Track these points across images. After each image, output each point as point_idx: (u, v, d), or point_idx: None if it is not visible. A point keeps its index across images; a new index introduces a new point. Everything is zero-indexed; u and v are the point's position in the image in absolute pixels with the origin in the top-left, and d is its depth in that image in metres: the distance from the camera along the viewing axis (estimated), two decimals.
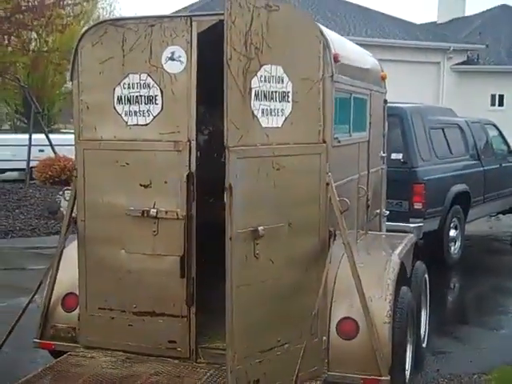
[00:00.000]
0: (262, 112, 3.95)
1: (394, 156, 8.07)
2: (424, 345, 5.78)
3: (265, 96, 3.95)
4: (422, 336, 5.73)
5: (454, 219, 9.23)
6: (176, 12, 22.48)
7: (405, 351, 4.67)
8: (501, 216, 12.18)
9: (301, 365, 3.88)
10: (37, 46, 19.31)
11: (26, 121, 27.79)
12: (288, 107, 4.06)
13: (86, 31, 4.43)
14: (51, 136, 18.49)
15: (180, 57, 4.19)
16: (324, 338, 4.26)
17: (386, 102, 6.36)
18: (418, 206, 8.40)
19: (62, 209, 12.51)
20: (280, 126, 4.04)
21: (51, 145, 17.46)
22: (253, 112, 3.91)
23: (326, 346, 4.26)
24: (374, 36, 24.92)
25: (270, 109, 3.98)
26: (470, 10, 37.69)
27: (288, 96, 4.05)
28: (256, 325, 3.94)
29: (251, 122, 3.91)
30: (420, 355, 5.48)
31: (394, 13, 28.88)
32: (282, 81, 4.02)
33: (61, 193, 12.90)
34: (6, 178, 18.80)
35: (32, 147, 17.37)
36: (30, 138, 17.29)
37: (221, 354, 4.19)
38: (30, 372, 4.35)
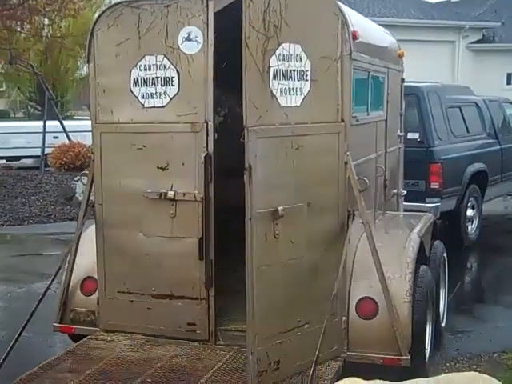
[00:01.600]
0: (281, 91, 3.91)
1: (410, 135, 7.99)
2: (443, 324, 5.76)
3: (283, 75, 3.91)
4: (442, 315, 5.71)
5: (471, 199, 9.15)
6: None
7: (424, 330, 4.64)
8: None
9: (321, 345, 3.87)
10: (50, 32, 19.32)
11: (39, 108, 27.92)
12: (306, 86, 4.02)
13: (102, 13, 4.40)
14: (65, 122, 18.55)
15: (197, 37, 4.15)
16: (344, 318, 4.24)
17: (403, 80, 6.29)
18: (434, 185, 8.33)
19: (77, 195, 12.57)
20: (299, 105, 4.00)
21: (65, 131, 17.51)
22: (271, 91, 3.88)
23: (345, 326, 4.25)
24: (389, 15, 24.69)
25: (289, 88, 3.94)
26: None
27: (306, 75, 4.01)
28: (276, 306, 3.93)
29: (270, 101, 3.88)
30: (439, 334, 5.46)
31: None
32: (301, 59, 3.98)
33: (76, 179, 12.93)
34: (21, 165, 18.90)
35: (46, 134, 17.44)
36: (45, 125, 17.34)
37: (240, 335, 4.20)
38: (51, 356, 4.38)
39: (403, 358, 4.13)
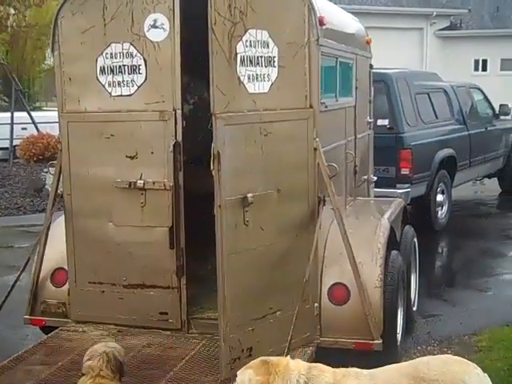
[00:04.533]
0: (249, 78, 3.90)
1: (380, 122, 8.03)
2: (414, 308, 5.82)
3: (250, 61, 3.90)
4: (413, 299, 5.77)
5: (441, 184, 9.25)
6: None
7: (396, 315, 4.69)
8: (486, 180, 12.22)
9: (293, 331, 3.89)
10: (15, 22, 19.01)
11: (7, 99, 27.45)
12: (274, 72, 4.01)
13: (66, 0, 4.33)
14: (34, 114, 18.29)
15: (163, 24, 4.11)
16: (316, 304, 4.26)
17: (371, 66, 6.31)
18: (404, 171, 8.39)
19: (47, 186, 12.42)
20: (266, 91, 4.00)
21: (34, 122, 17.28)
22: (239, 78, 3.87)
23: (317, 312, 4.27)
24: (358, 3, 24.71)
25: (256, 74, 3.93)
26: None
27: (274, 61, 4.00)
28: (248, 293, 3.93)
29: (237, 87, 3.86)
30: (411, 318, 5.52)
31: None
32: (268, 45, 3.96)
33: (46, 170, 12.78)
34: None
35: (14, 125, 17.18)
36: (12, 117, 17.08)
37: (213, 323, 4.19)
38: (22, 349, 4.33)
39: (375, 342, 4.17)
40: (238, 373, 2.89)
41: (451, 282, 7.50)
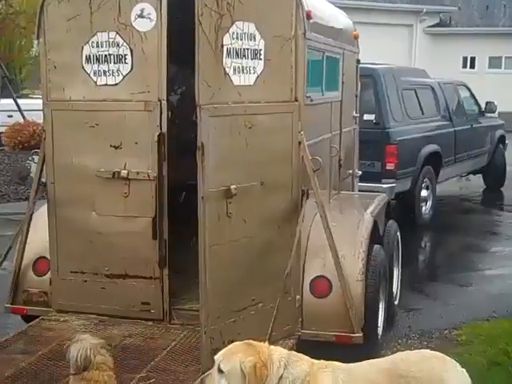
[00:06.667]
0: (234, 70, 3.90)
1: (366, 117, 8.06)
2: (396, 302, 5.86)
3: (237, 53, 3.90)
4: (394, 293, 5.80)
5: (426, 179, 9.30)
6: None
7: (377, 308, 4.72)
8: (471, 176, 12.30)
9: (274, 324, 3.90)
10: (2, 9, 18.86)
11: None
12: (260, 65, 4.01)
13: None
14: (20, 101, 18.17)
15: (150, 14, 4.10)
16: (297, 296, 4.28)
17: (358, 61, 6.32)
18: (390, 166, 8.43)
19: (31, 174, 12.35)
20: (252, 84, 4.00)
21: (20, 110, 17.16)
22: (225, 69, 3.87)
23: (299, 305, 4.29)
24: None
25: (242, 66, 3.93)
26: None
27: (260, 54, 4.01)
28: (229, 284, 3.94)
29: (223, 79, 3.86)
30: (392, 312, 5.55)
31: None
32: (254, 38, 3.97)
33: (30, 158, 12.71)
34: None
35: (0, 113, 17.07)
36: None
37: (195, 315, 4.20)
38: (2, 337, 4.31)
39: (355, 335, 4.20)
40: (220, 362, 2.81)
41: (433, 276, 7.55)
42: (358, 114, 6.49)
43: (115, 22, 4.16)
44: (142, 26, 4.13)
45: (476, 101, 11.48)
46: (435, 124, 9.72)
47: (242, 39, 3.91)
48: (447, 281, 7.13)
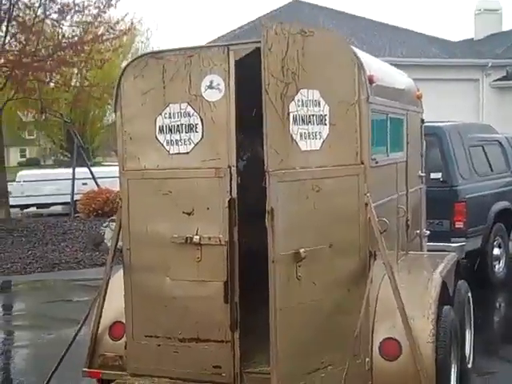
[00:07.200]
0: (301, 136, 4.02)
1: (433, 175, 8.04)
2: (469, 365, 5.70)
3: (303, 120, 4.02)
4: (467, 356, 5.66)
5: (498, 237, 9.12)
6: (212, 41, 22.83)
7: (449, 371, 4.63)
8: None
9: None
10: (78, 82, 19.79)
11: (69, 155, 28.41)
12: (325, 130, 4.12)
13: (128, 65, 4.57)
14: (93, 169, 18.87)
15: (218, 85, 4.28)
16: (367, 359, 4.24)
17: (423, 121, 6.37)
18: (459, 224, 8.32)
19: (106, 241, 12.71)
20: (318, 148, 4.10)
21: (94, 178, 17.81)
22: (292, 136, 3.99)
23: (369, 367, 4.24)
24: (411, 56, 24.81)
25: (309, 132, 4.04)
26: (507, 25, 37.17)
27: (325, 119, 4.12)
28: (300, 347, 3.96)
29: (290, 145, 3.98)
30: (466, 376, 5.41)
31: (430, 32, 28.73)
32: (319, 104, 4.09)
33: (105, 225, 13.12)
34: (51, 212, 19.21)
35: (76, 181, 17.75)
36: (74, 172, 17.68)
37: (265, 378, 4.19)
38: None
39: None
40: None
41: (508, 338, 7.30)
42: (425, 174, 6.49)
43: (186, 94, 4.35)
44: (212, 96, 4.31)
45: None
46: (505, 180, 9.58)
47: (307, 106, 4.04)
48: None
